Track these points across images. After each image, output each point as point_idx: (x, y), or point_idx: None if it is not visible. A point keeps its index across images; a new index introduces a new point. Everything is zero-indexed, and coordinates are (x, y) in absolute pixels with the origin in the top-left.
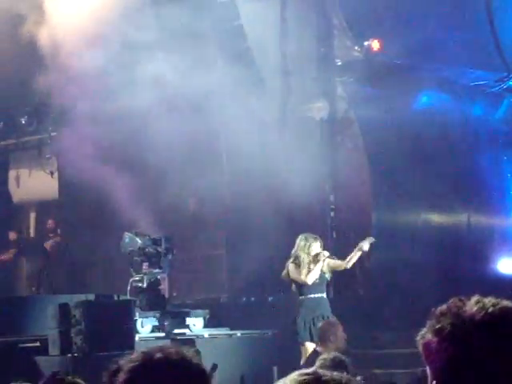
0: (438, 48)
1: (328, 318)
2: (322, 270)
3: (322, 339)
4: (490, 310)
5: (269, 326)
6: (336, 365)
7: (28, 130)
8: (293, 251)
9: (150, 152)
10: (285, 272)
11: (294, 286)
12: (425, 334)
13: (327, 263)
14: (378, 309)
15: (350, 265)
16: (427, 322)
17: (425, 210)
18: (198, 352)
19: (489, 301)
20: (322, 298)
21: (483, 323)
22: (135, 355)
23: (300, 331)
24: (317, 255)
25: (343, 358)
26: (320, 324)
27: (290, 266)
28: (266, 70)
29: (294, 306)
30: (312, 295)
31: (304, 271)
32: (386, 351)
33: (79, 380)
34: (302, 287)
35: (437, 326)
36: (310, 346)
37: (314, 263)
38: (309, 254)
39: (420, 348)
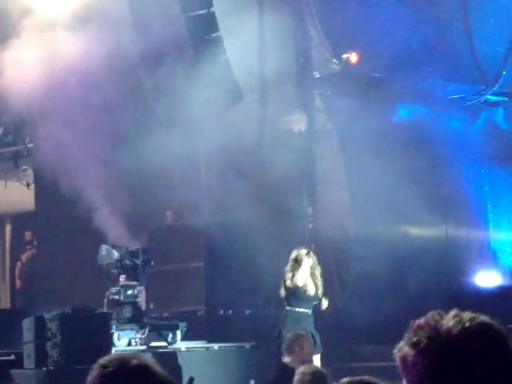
0: (416, 61)
1: (311, 332)
2: (306, 287)
3: (288, 350)
4: (467, 324)
5: (246, 339)
6: (316, 380)
7: (4, 142)
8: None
9: (127, 164)
10: (281, 289)
11: (284, 296)
12: (402, 347)
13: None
14: (356, 322)
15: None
16: (404, 335)
17: (403, 223)
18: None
19: (466, 315)
20: (308, 313)
21: (460, 337)
22: (108, 360)
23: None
24: (297, 259)
25: (324, 372)
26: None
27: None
28: (245, 83)
29: (274, 320)
30: (297, 309)
31: (289, 275)
32: (364, 364)
33: None
34: (290, 299)
35: (413, 339)
36: (316, 359)
37: (297, 265)
38: (291, 260)
39: (397, 361)
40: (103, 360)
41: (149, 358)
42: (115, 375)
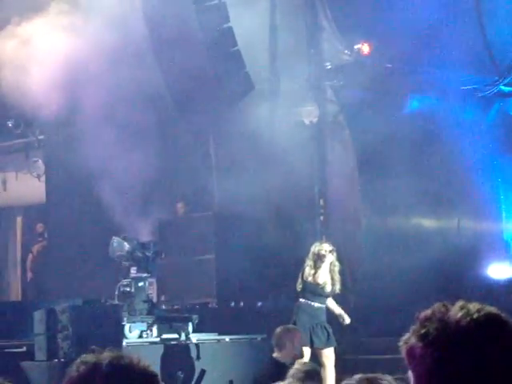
0: (428, 52)
1: (325, 326)
2: (325, 284)
3: (278, 345)
4: (475, 315)
5: (258, 331)
6: (309, 376)
7: (15, 133)
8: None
9: (139, 155)
10: (298, 280)
11: (300, 288)
12: (408, 339)
13: (332, 274)
14: (368, 315)
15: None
16: (411, 327)
17: (415, 215)
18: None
19: (473, 306)
20: (322, 307)
21: (468, 329)
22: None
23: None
24: (319, 255)
25: (318, 369)
26: (318, 329)
27: (302, 270)
28: (256, 74)
29: (286, 312)
30: (312, 303)
31: (310, 271)
32: (377, 357)
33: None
34: (306, 293)
35: (422, 331)
36: (305, 352)
37: (319, 262)
38: (313, 255)
39: (403, 353)
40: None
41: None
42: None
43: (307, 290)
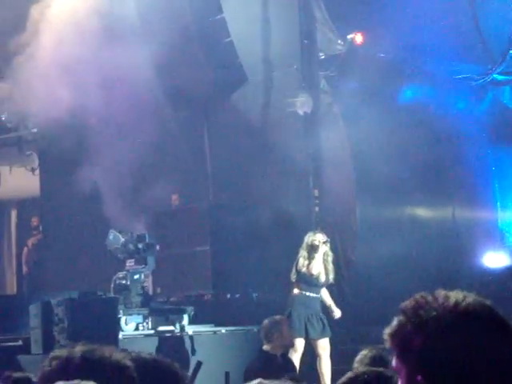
0: (421, 41)
1: (320, 317)
2: (319, 274)
3: (266, 337)
4: (467, 301)
5: (254, 323)
6: (376, 363)
7: (8, 127)
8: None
9: (133, 147)
10: (292, 271)
11: (295, 279)
12: (397, 331)
13: (325, 264)
14: (363, 304)
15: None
16: (396, 318)
17: (410, 205)
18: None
19: (457, 293)
20: (317, 298)
21: (466, 314)
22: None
23: (295, 326)
24: (313, 245)
25: (383, 354)
26: (314, 320)
27: (296, 260)
28: (249, 65)
29: (281, 303)
30: (307, 293)
31: (304, 262)
32: (374, 346)
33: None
34: (300, 283)
35: (417, 321)
36: (300, 342)
37: (313, 252)
38: (307, 246)
39: (392, 345)
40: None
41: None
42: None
43: (301, 281)
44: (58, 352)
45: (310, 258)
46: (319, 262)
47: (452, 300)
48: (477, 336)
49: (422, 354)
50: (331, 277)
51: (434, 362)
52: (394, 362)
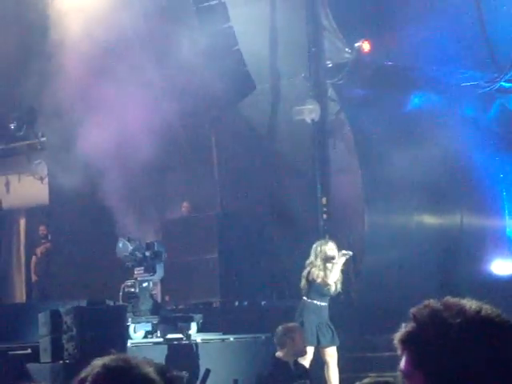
0: (429, 49)
1: (329, 325)
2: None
3: (279, 344)
4: (484, 312)
5: (262, 330)
6: None
7: (17, 136)
8: (307, 261)
9: (142, 156)
10: (303, 281)
11: (306, 288)
12: (408, 334)
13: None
14: (372, 312)
15: (330, 280)
16: (404, 324)
17: (417, 212)
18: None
19: (469, 302)
20: (325, 306)
21: (480, 323)
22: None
23: (307, 335)
24: (329, 256)
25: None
26: (324, 328)
27: (307, 271)
28: (257, 73)
29: (289, 310)
30: (317, 302)
31: (320, 273)
32: (379, 354)
33: None
34: (311, 292)
35: (430, 326)
36: (310, 350)
37: (328, 263)
38: (321, 256)
39: (400, 348)
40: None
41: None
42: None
43: (313, 290)
44: (85, 373)
45: (325, 268)
46: (337, 273)
47: (471, 307)
48: (499, 345)
49: (442, 361)
50: (339, 286)
51: (455, 369)
52: (403, 367)
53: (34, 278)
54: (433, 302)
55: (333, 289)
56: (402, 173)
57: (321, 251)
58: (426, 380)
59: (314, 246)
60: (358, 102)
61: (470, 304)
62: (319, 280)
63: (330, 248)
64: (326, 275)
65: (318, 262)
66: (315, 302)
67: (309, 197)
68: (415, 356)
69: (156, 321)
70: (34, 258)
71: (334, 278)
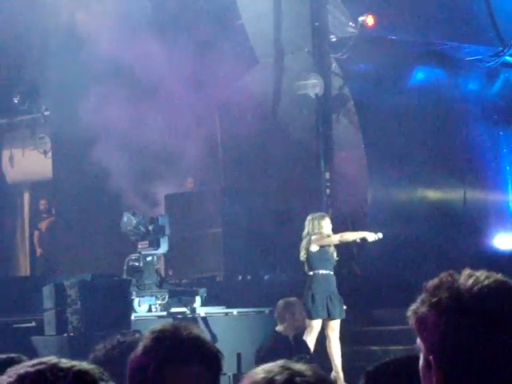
0: (433, 23)
1: (339, 297)
2: (329, 247)
3: (279, 318)
4: (486, 282)
5: (265, 305)
6: None
7: (21, 110)
8: (304, 233)
9: (145, 131)
10: (302, 253)
11: (306, 262)
12: (418, 309)
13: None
14: (375, 286)
15: (336, 241)
16: (418, 297)
17: (421, 187)
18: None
19: (481, 274)
20: (331, 274)
21: (481, 295)
22: (162, 328)
23: (317, 307)
24: (318, 221)
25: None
26: (335, 299)
27: (306, 241)
28: (260, 48)
29: (292, 284)
30: (323, 271)
31: (323, 233)
32: (383, 328)
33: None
34: (313, 261)
35: (433, 300)
36: (317, 323)
37: (318, 226)
38: (312, 222)
39: (412, 323)
40: (158, 327)
41: (197, 328)
42: (169, 341)
43: (314, 258)
44: (160, 328)
45: (321, 229)
46: (329, 228)
47: (470, 281)
48: (488, 321)
49: (433, 335)
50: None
51: (443, 344)
52: (417, 341)
53: (38, 251)
54: (449, 274)
55: (334, 254)
56: (405, 148)
57: (319, 225)
58: (424, 354)
59: (310, 218)
60: (362, 76)
61: (475, 277)
62: (323, 240)
63: (327, 222)
64: (327, 235)
65: (312, 228)
66: (321, 271)
67: (312, 172)
68: (417, 329)
69: (160, 295)
70: (36, 232)
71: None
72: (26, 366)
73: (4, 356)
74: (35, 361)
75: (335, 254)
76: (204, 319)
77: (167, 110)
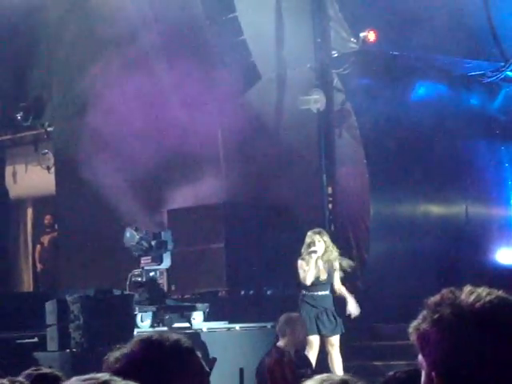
0: (434, 38)
1: (332, 312)
2: (328, 268)
3: (280, 333)
4: (487, 298)
5: (267, 320)
6: None
7: (24, 126)
8: (318, 249)
9: (148, 146)
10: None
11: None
12: (419, 325)
13: (338, 263)
14: (377, 301)
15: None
16: (420, 313)
17: (423, 201)
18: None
19: (482, 290)
20: (325, 295)
21: (483, 311)
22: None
23: (307, 325)
24: (310, 245)
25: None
26: (324, 317)
27: (299, 262)
28: (262, 63)
29: (295, 300)
30: (314, 293)
31: (303, 267)
32: (385, 343)
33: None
34: (303, 283)
35: (435, 316)
36: (314, 339)
37: (305, 253)
38: (306, 245)
39: (414, 339)
40: (145, 335)
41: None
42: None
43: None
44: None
45: (308, 260)
46: (312, 272)
47: (472, 297)
48: (489, 338)
49: (435, 351)
50: (337, 274)
51: (445, 360)
52: (419, 357)
53: (39, 266)
54: (450, 290)
55: (324, 278)
56: (407, 162)
57: (307, 240)
58: (426, 371)
59: (308, 234)
60: (364, 91)
61: (477, 293)
62: (300, 271)
63: (313, 238)
64: (304, 272)
65: (303, 251)
66: (309, 292)
67: (314, 187)
68: (419, 345)
69: (162, 310)
70: (38, 246)
71: (310, 278)
72: (78, 380)
73: (33, 371)
74: (87, 376)
75: (333, 274)
76: (206, 334)
77: (169, 126)
